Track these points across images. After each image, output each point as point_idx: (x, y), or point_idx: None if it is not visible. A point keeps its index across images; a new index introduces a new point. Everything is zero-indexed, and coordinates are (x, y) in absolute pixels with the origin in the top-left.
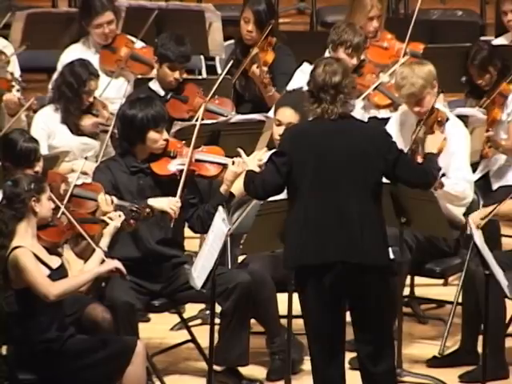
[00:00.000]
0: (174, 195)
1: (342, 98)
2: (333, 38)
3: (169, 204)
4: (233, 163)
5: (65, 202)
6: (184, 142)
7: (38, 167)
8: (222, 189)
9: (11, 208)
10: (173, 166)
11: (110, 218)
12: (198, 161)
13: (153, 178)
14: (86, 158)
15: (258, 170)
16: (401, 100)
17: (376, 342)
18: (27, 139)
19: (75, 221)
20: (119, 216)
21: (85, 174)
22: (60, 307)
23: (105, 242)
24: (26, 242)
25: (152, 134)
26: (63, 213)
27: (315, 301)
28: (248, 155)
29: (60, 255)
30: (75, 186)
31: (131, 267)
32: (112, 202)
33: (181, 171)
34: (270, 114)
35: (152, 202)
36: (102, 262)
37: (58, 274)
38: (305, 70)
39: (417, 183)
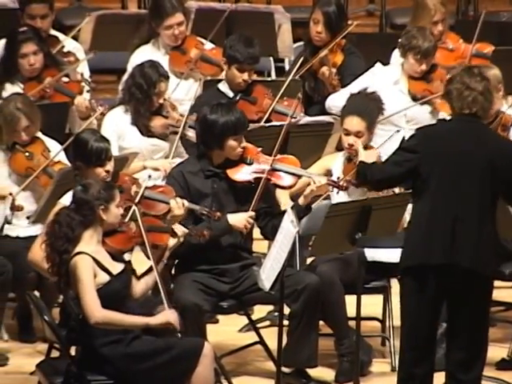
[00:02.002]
0: (247, 201)
1: (480, 98)
2: (403, 43)
3: (241, 220)
4: (314, 182)
5: (136, 200)
6: (261, 148)
7: (109, 166)
8: (301, 201)
9: (79, 214)
10: (249, 174)
11: (176, 231)
12: (274, 170)
13: (227, 182)
14: (149, 177)
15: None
16: None
17: (470, 349)
18: (98, 138)
19: (144, 228)
20: (183, 231)
21: (157, 170)
22: (123, 309)
23: (165, 255)
24: (89, 249)
25: (231, 142)
26: (135, 219)
27: (418, 299)
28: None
29: (124, 261)
30: (146, 188)
31: (200, 269)
32: (183, 205)
33: (256, 179)
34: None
35: (230, 218)
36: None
37: (119, 280)
38: (376, 71)
39: None
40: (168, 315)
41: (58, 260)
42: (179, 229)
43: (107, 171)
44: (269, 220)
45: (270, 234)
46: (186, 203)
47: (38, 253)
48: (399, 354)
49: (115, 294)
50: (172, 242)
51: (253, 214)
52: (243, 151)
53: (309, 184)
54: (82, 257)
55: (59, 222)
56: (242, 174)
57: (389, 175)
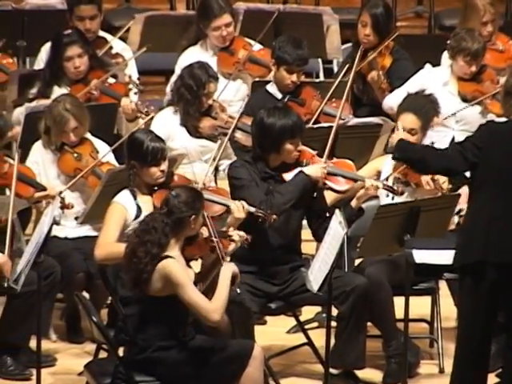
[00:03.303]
0: (301, 205)
1: None
2: (452, 45)
3: (317, 169)
4: (370, 185)
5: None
6: (316, 152)
7: (164, 166)
8: (354, 203)
9: (172, 220)
10: None
11: (233, 238)
12: (329, 174)
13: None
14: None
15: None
16: None
17: None
18: (154, 138)
19: (214, 232)
20: (241, 236)
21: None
22: (187, 314)
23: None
24: (174, 254)
25: (288, 146)
26: (205, 224)
27: (475, 298)
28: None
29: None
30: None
31: (250, 270)
32: (243, 207)
33: None
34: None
35: (305, 169)
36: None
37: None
38: (425, 73)
39: None
40: (233, 266)
41: (150, 266)
42: (236, 233)
43: (162, 171)
44: (321, 223)
45: (322, 237)
46: (246, 205)
47: (106, 248)
48: (454, 354)
49: None
50: (231, 247)
51: (325, 165)
52: (299, 155)
53: (362, 187)
54: (173, 261)
55: (155, 227)
56: None
57: (452, 167)
